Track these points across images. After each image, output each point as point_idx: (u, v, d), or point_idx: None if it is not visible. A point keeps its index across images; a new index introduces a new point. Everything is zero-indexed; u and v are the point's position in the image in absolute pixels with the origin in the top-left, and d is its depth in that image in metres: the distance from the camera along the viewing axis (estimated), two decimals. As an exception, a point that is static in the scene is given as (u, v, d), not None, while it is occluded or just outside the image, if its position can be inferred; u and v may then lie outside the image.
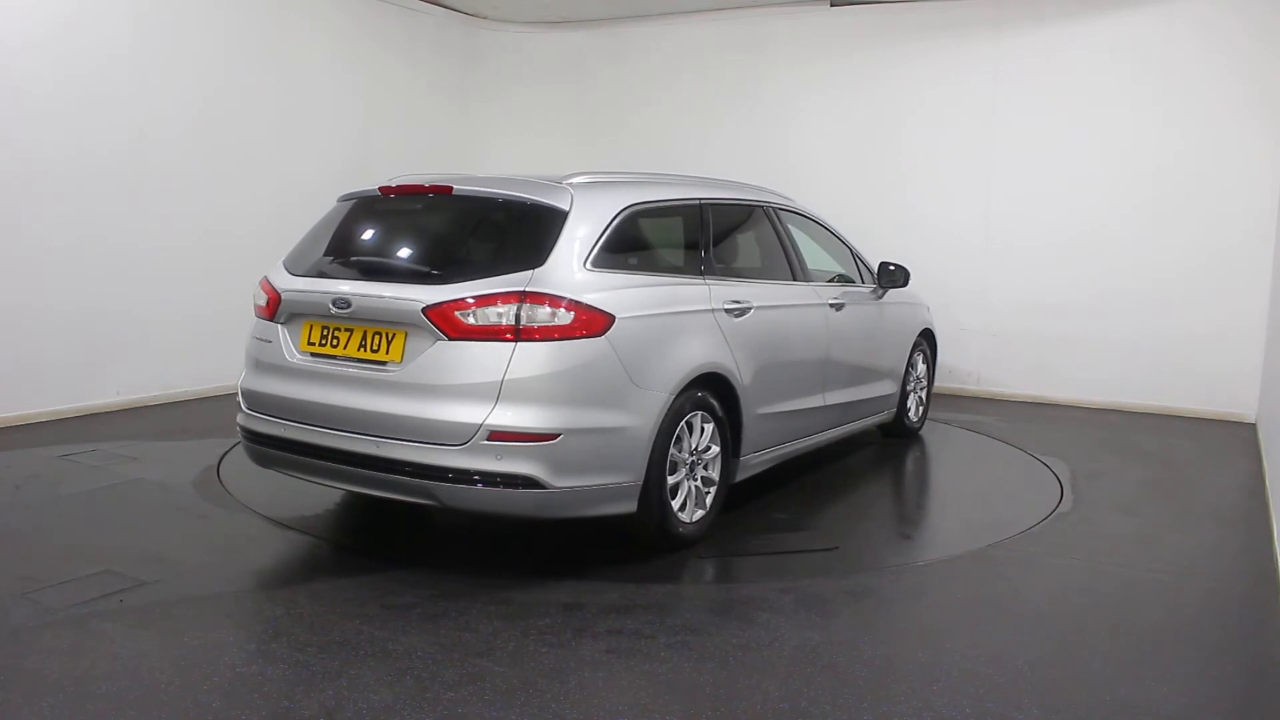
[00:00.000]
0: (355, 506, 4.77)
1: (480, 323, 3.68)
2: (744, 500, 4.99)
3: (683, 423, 4.13)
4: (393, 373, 3.81)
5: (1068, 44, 7.88)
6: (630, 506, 3.95)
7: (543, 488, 3.66)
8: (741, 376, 4.46)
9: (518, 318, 3.67)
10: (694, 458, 4.26)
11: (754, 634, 3.43)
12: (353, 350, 3.93)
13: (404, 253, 4.30)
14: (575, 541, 4.37)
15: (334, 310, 3.96)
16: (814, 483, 5.53)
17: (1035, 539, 4.64)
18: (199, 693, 2.91)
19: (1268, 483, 5.58)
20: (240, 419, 4.29)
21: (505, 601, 3.66)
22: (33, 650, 3.15)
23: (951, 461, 6.32)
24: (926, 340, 6.77)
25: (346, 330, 3.97)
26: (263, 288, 4.31)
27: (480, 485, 3.65)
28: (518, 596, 3.72)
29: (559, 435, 3.66)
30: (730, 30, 9.11)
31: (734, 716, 2.86)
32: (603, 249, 3.99)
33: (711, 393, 4.31)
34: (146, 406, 6.89)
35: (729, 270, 4.84)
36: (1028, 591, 4.03)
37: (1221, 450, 6.65)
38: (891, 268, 5.96)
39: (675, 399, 4.03)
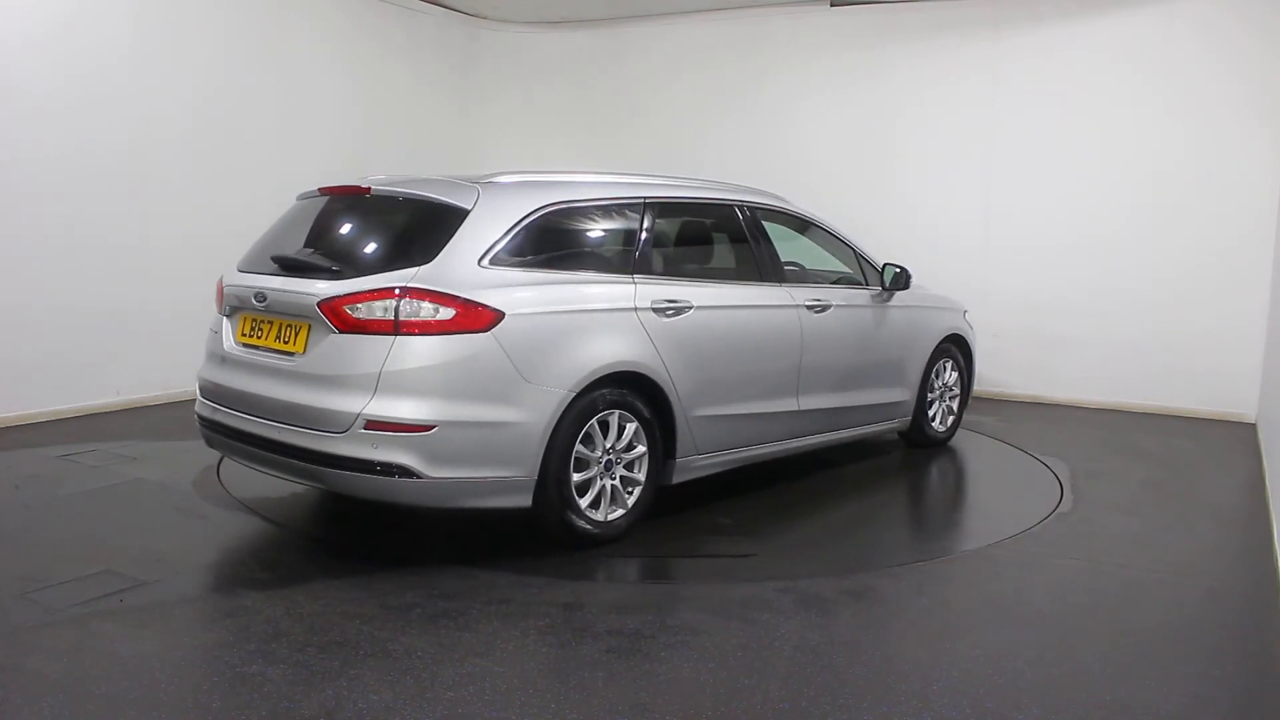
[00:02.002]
0: (354, 508, 4.77)
1: (366, 316, 3.84)
2: (698, 503, 4.95)
3: (594, 420, 4.16)
4: (296, 362, 4.02)
5: (1067, 44, 7.88)
6: (524, 501, 4.01)
7: (417, 477, 3.76)
8: (672, 376, 4.44)
9: (397, 312, 3.79)
10: (610, 456, 4.27)
11: (754, 634, 3.43)
12: (271, 341, 4.17)
13: (316, 250, 4.42)
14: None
15: (255, 304, 4.22)
16: (791, 489, 5.40)
17: (1035, 539, 4.64)
18: (199, 693, 2.91)
19: (1268, 483, 5.58)
20: (196, 405, 4.55)
21: (505, 601, 3.66)
22: (33, 650, 3.15)
23: (951, 461, 6.29)
24: (957, 345, 6.44)
25: (269, 323, 4.20)
26: (218, 283, 4.61)
27: (359, 472, 3.80)
28: (518, 596, 3.72)
29: (433, 427, 3.76)
30: (730, 30, 9.11)
31: (734, 716, 2.86)
32: (506, 247, 4.09)
33: (635, 392, 4.32)
34: (146, 406, 6.89)
35: (669, 269, 4.80)
36: (1028, 591, 4.03)
37: (1221, 450, 6.65)
38: (897, 269, 5.82)
39: (578, 396, 4.06)
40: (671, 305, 4.51)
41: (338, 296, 3.90)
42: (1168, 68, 7.56)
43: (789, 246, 5.67)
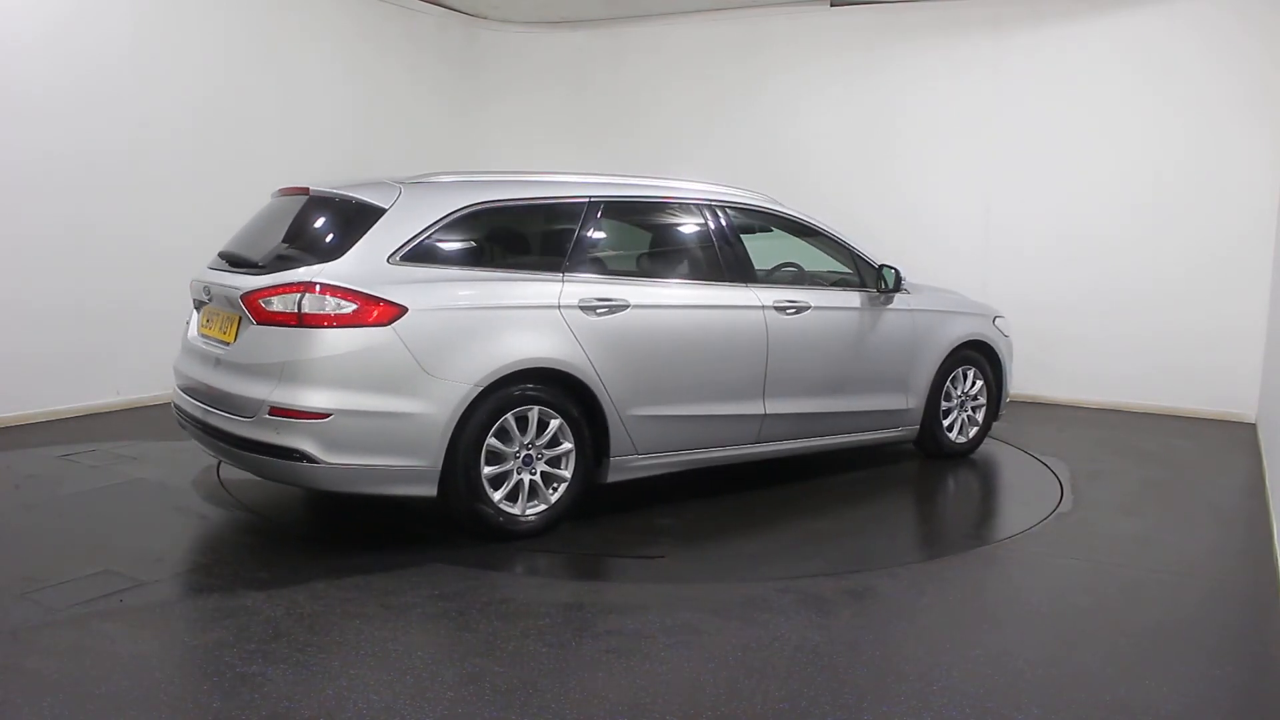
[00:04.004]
0: (354, 507, 4.77)
1: (279, 309, 4.05)
2: (647, 504, 4.91)
3: (509, 415, 4.22)
4: (227, 352, 4.26)
5: (1067, 43, 7.89)
6: (429, 490, 4.12)
7: (316, 462, 3.93)
8: (601, 375, 4.45)
9: (300, 305, 3.98)
10: (530, 451, 4.32)
11: (754, 634, 3.43)
12: (216, 332, 4.42)
13: (256, 246, 4.59)
14: (575, 544, 4.38)
15: (205, 297, 4.55)
16: (766, 494, 5.26)
17: (1035, 539, 4.64)
18: (199, 693, 2.91)
19: (1268, 483, 5.58)
20: (172, 392, 4.79)
21: (505, 601, 3.66)
22: (33, 650, 3.16)
23: (951, 462, 6.26)
24: (981, 352, 6.11)
25: (217, 315, 4.45)
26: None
27: (267, 455, 4.01)
28: (518, 596, 3.72)
29: (330, 415, 3.92)
30: (730, 30, 9.11)
31: (734, 716, 2.86)
32: (421, 245, 4.23)
33: (560, 389, 4.37)
34: (146, 406, 6.89)
35: (608, 268, 4.76)
36: (1028, 591, 4.03)
37: (1221, 450, 6.65)
38: (891, 270, 5.56)
39: (488, 391, 4.14)
40: (604, 304, 4.52)
41: (255, 290, 4.13)
42: (1168, 67, 7.56)
43: (783, 247, 5.61)
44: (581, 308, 4.45)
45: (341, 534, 4.54)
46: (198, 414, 4.36)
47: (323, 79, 8.17)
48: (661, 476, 4.88)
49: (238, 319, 4.22)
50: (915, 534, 5.12)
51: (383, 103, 8.78)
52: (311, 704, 2.84)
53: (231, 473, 5.20)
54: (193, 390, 4.47)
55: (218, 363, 4.28)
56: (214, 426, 4.24)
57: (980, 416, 6.21)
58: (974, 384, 6.13)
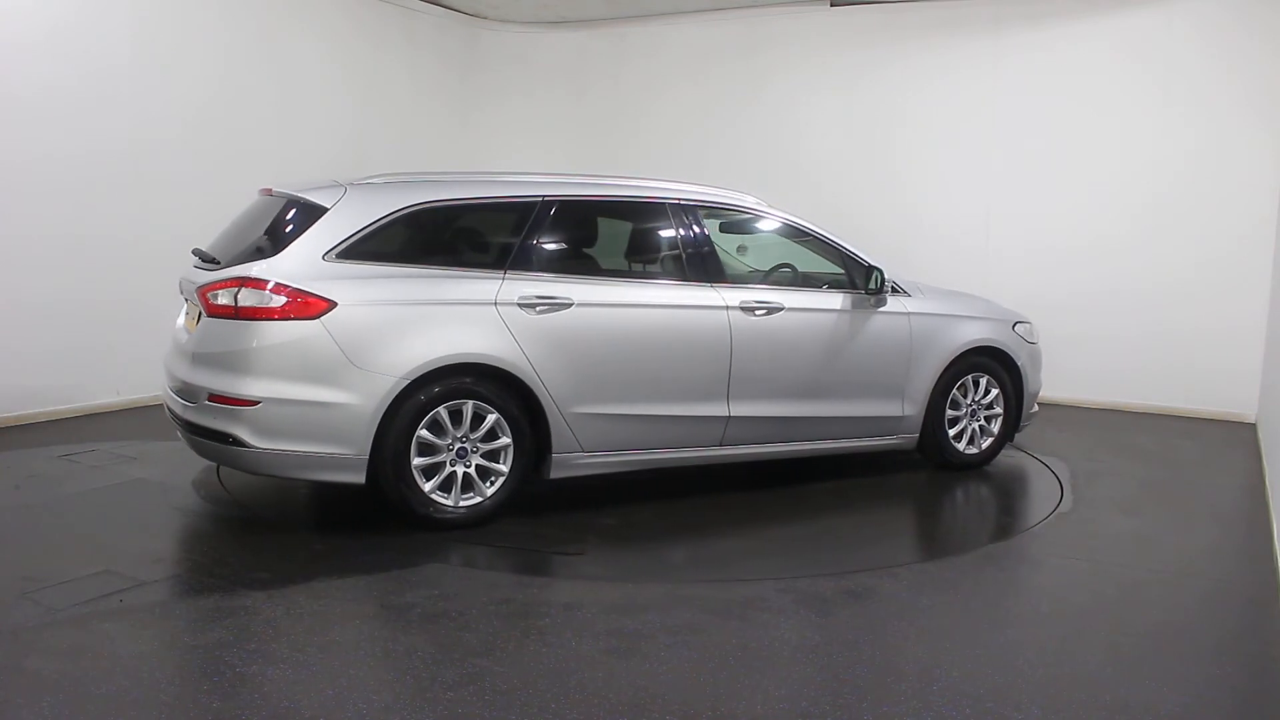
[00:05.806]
0: (354, 507, 4.77)
1: (224, 303, 4.28)
2: (605, 503, 4.91)
3: (441, 408, 4.32)
4: (188, 342, 4.51)
5: (1068, 42, 7.89)
6: (357, 478, 4.26)
7: (246, 446, 4.16)
8: (540, 371, 4.48)
9: (236, 299, 4.22)
10: (464, 444, 4.40)
11: (754, 634, 3.43)
12: (189, 324, 4.64)
13: (222, 245, 4.77)
14: (575, 544, 4.38)
15: (181, 292, 4.82)
16: (739, 498, 5.23)
17: (1035, 539, 4.65)
18: (199, 693, 2.91)
19: (1268, 483, 5.58)
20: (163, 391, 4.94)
21: (505, 601, 3.66)
22: (33, 650, 3.16)
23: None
24: (996, 359, 5.79)
25: (192, 308, 4.65)
26: None
27: (209, 440, 4.27)
28: (518, 596, 3.72)
29: (259, 402, 4.14)
30: (731, 30, 9.11)
31: (734, 716, 2.86)
32: (359, 242, 4.38)
33: (499, 384, 4.43)
34: (146, 406, 6.88)
35: (555, 267, 4.74)
36: (1028, 591, 4.04)
37: (1221, 450, 6.65)
38: (877, 271, 5.34)
39: (416, 384, 4.26)
40: (544, 301, 4.54)
41: (205, 284, 4.37)
42: (1168, 67, 7.56)
43: (782, 249, 5.59)
44: (521, 305, 4.50)
45: (342, 535, 4.54)
46: (177, 409, 4.53)
47: (322, 79, 8.16)
48: (646, 476, 4.87)
49: (200, 312, 4.43)
50: (915, 534, 5.13)
51: (382, 103, 8.77)
52: (311, 704, 2.84)
53: (231, 473, 5.20)
54: (172, 384, 4.65)
55: (184, 353, 4.52)
56: (175, 413, 4.52)
57: (995, 427, 5.87)
58: (987, 392, 5.81)
